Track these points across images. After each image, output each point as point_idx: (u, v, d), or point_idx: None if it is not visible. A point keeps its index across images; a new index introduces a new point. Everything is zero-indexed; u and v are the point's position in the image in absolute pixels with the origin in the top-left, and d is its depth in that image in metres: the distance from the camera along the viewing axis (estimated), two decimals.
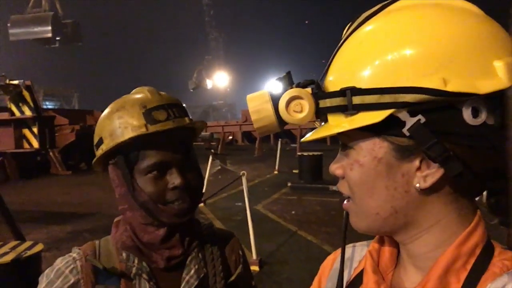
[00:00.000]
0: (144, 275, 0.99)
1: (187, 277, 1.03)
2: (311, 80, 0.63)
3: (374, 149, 0.58)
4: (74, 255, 1.02)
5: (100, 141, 1.01)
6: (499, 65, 0.52)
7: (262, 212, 7.73)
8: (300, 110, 0.61)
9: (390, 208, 0.59)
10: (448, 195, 0.58)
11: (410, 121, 0.54)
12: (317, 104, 0.60)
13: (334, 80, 0.61)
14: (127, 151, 0.98)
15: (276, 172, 12.99)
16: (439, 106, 0.52)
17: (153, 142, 0.97)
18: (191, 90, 52.28)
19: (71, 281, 0.97)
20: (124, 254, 1.02)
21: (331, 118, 0.60)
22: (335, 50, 0.64)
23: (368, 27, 0.60)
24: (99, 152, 1.01)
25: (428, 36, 0.54)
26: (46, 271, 1.00)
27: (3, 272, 3.32)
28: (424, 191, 0.57)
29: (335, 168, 0.65)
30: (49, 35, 22.07)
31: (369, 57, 0.57)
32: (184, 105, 1.09)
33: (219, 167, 11.08)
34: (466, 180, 0.55)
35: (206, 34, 57.86)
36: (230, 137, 25.46)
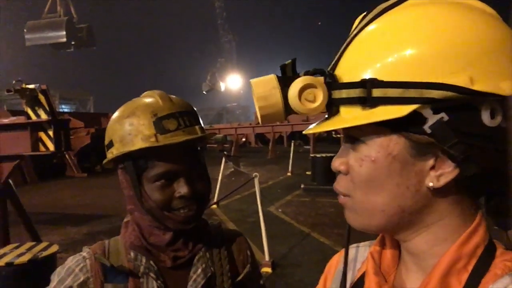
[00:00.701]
0: (152, 274, 1.01)
1: (194, 276, 1.04)
2: (320, 68, 0.60)
3: (390, 145, 0.55)
4: (84, 254, 1.04)
5: (111, 144, 1.03)
6: None
7: (275, 214, 7.72)
8: (313, 100, 0.58)
9: (397, 206, 0.57)
10: (454, 195, 0.57)
11: (433, 118, 0.52)
12: (330, 94, 0.57)
13: (349, 70, 0.58)
14: (136, 158, 0.99)
15: (289, 174, 12.96)
16: (461, 105, 0.51)
17: (162, 152, 0.97)
18: (205, 93, 52.51)
19: (81, 279, 0.99)
20: (132, 254, 1.03)
21: (344, 110, 0.57)
22: (349, 39, 0.60)
23: (389, 18, 0.57)
24: (109, 156, 1.03)
25: (456, 33, 0.53)
26: (58, 269, 1.02)
27: (20, 272, 3.38)
28: (434, 191, 0.56)
29: (339, 163, 0.62)
30: (64, 39, 22.35)
31: (391, 49, 0.54)
32: (195, 109, 1.09)
33: (232, 169, 11.11)
34: (477, 181, 0.55)
35: (219, 37, 58.07)
36: (244, 139, 25.51)
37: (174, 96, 1.06)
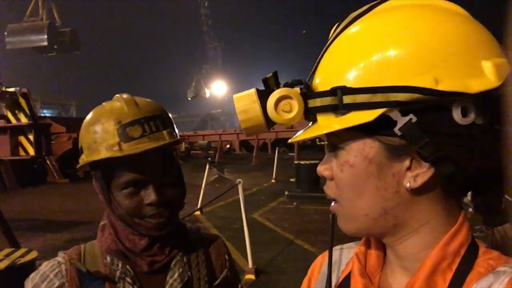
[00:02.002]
0: (128, 279, 1.00)
1: (171, 281, 1.03)
2: (298, 80, 0.62)
3: (365, 149, 0.58)
4: (59, 259, 1.03)
5: (81, 150, 1.03)
6: (487, 65, 0.53)
7: (259, 220, 7.70)
8: (289, 110, 0.60)
9: (380, 209, 0.59)
10: (436, 195, 0.58)
11: (402, 121, 0.53)
12: (306, 104, 0.60)
13: (323, 79, 0.61)
14: (103, 166, 0.99)
15: (273, 180, 12.96)
16: (430, 105, 0.53)
17: (126, 161, 0.96)
18: (190, 99, 52.40)
19: (56, 285, 0.98)
20: (108, 258, 1.03)
21: (320, 118, 0.60)
22: (323, 50, 0.63)
23: (357, 26, 0.59)
24: (80, 162, 1.03)
25: (419, 36, 0.54)
26: (32, 274, 1.01)
27: None
28: (414, 191, 0.57)
29: (324, 169, 0.64)
30: (45, 43, 22.08)
31: (359, 57, 0.57)
32: (169, 115, 1.07)
33: (216, 176, 11.07)
34: (455, 180, 0.56)
35: (204, 44, 58.13)
36: (228, 146, 25.47)
37: (142, 99, 1.04)
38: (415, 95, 0.51)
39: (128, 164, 0.97)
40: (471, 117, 0.52)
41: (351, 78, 0.56)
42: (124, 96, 1.03)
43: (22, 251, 3.75)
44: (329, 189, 0.65)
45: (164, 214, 0.99)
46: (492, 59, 0.53)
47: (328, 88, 0.58)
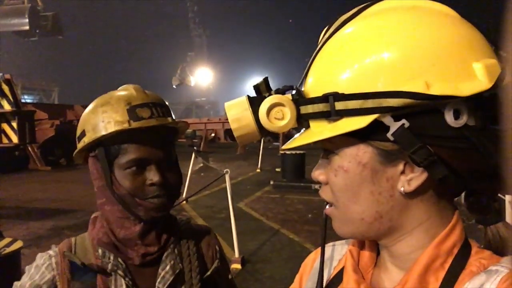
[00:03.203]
0: (120, 271, 1.01)
1: (163, 273, 1.04)
2: (290, 85, 0.62)
3: (359, 154, 0.58)
4: (51, 252, 1.04)
5: (83, 134, 1.03)
6: (478, 67, 0.53)
7: (245, 210, 7.73)
8: (281, 117, 0.60)
9: (375, 213, 0.59)
10: (430, 197, 0.58)
11: (394, 126, 0.53)
12: (298, 110, 0.59)
13: (315, 85, 0.61)
14: (108, 145, 1.00)
15: (258, 170, 13.00)
16: (422, 109, 0.53)
17: (134, 138, 0.99)
18: (174, 87, 51.96)
19: (47, 277, 1.00)
20: (100, 251, 1.03)
21: (313, 124, 0.59)
22: (314, 54, 0.63)
23: (347, 30, 0.59)
24: (80, 144, 1.03)
25: (410, 40, 0.54)
26: (28, 266, 1.04)
27: None
28: (408, 195, 0.57)
29: (318, 174, 0.64)
30: (27, 27, 21.61)
31: (349, 61, 0.56)
32: (167, 103, 1.11)
33: (201, 165, 11.04)
34: (449, 182, 0.56)
35: (190, 31, 57.50)
36: (213, 135, 25.37)
37: (149, 91, 1.08)
38: (407, 100, 0.52)
39: (134, 141, 0.99)
40: (464, 119, 0.52)
41: (343, 83, 0.56)
42: (132, 85, 1.07)
43: (6, 240, 3.69)
44: (324, 193, 0.65)
45: (164, 196, 1.01)
46: (483, 60, 0.53)
47: (320, 94, 0.58)
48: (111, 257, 1.02)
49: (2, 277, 3.23)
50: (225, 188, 5.44)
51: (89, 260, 1.03)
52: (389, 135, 0.54)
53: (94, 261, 1.03)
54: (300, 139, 0.61)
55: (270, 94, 0.62)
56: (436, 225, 0.59)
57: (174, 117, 1.10)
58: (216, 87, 63.47)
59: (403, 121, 0.53)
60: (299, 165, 10.40)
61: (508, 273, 0.52)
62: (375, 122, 0.54)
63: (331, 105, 0.56)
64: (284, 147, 0.66)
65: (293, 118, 0.59)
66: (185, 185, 8.16)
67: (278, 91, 0.62)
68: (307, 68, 0.64)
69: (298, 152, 10.43)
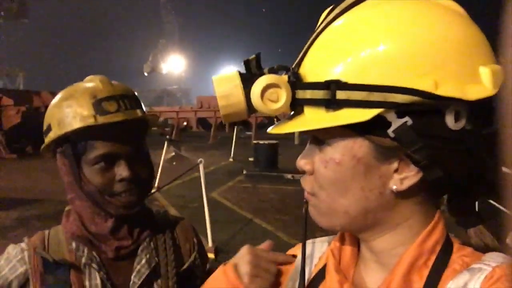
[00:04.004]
0: (94, 265, 0.99)
1: (138, 267, 1.03)
2: (285, 66, 0.59)
3: (354, 147, 0.55)
4: (23, 245, 1.02)
5: (49, 129, 1.00)
6: (485, 72, 0.51)
7: (218, 199, 7.72)
8: (276, 100, 0.56)
9: (362, 208, 0.58)
10: (418, 197, 0.58)
11: (397, 123, 0.52)
12: (293, 94, 0.56)
13: (313, 69, 0.57)
14: (75, 141, 0.97)
15: (231, 159, 12.96)
16: (426, 109, 0.51)
17: (101, 133, 0.96)
18: (146, 74, 51.20)
19: (18, 271, 0.98)
20: (73, 244, 1.02)
21: (308, 110, 0.56)
22: (314, 36, 0.58)
23: (357, 14, 0.55)
24: (47, 140, 1.01)
25: (422, 33, 0.52)
26: None
27: None
28: (398, 193, 0.56)
29: (304, 163, 0.61)
30: None
31: (356, 49, 0.53)
32: (136, 93, 1.08)
33: (173, 154, 10.93)
34: (441, 184, 0.55)
35: (161, 17, 56.55)
36: (185, 123, 25.18)
37: (116, 82, 1.05)
38: (414, 98, 0.50)
39: (101, 137, 0.96)
40: (463, 122, 0.51)
41: (346, 72, 0.53)
42: (99, 76, 1.04)
43: None
44: (307, 183, 0.62)
45: (135, 191, 0.99)
46: (489, 65, 0.52)
47: (320, 80, 0.54)
48: (85, 251, 1.00)
49: None
50: (198, 177, 5.41)
51: (63, 253, 1.01)
52: (390, 131, 0.52)
53: (67, 254, 1.01)
54: (293, 125, 0.58)
55: (261, 73, 0.58)
56: (419, 223, 0.59)
57: (144, 107, 1.07)
58: (188, 75, 62.93)
59: (407, 118, 0.51)
60: (272, 155, 10.44)
61: (491, 272, 0.52)
62: (377, 117, 0.51)
63: (333, 93, 0.53)
64: (273, 131, 0.62)
65: (288, 102, 0.56)
66: (157, 174, 8.06)
67: (272, 71, 0.58)
68: (305, 49, 0.59)
69: (271, 142, 10.46)
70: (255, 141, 11.35)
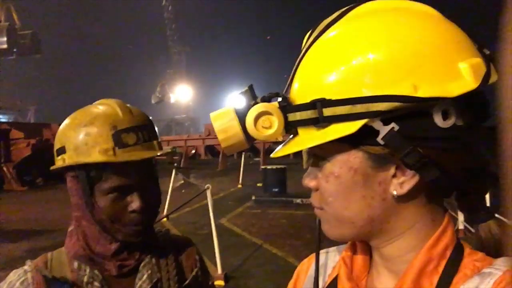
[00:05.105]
0: (96, 283, 1.00)
1: (140, 282, 1.03)
2: (275, 92, 0.61)
3: (350, 159, 0.57)
4: (26, 267, 1.02)
5: (62, 150, 1.00)
6: (464, 67, 0.53)
7: (227, 226, 7.67)
8: (269, 126, 0.59)
9: (367, 217, 0.58)
10: (422, 200, 0.58)
11: (384, 130, 0.53)
12: (286, 118, 0.58)
13: (301, 91, 0.60)
14: (90, 169, 0.97)
15: (240, 185, 12.93)
16: (411, 112, 0.52)
17: (118, 166, 0.97)
18: (153, 103, 51.74)
19: None
20: (76, 263, 1.02)
21: (301, 131, 0.59)
22: (298, 60, 0.62)
23: (330, 34, 0.58)
24: (59, 163, 1.01)
25: (394, 42, 0.54)
26: (0, 284, 1.01)
27: None
28: (400, 198, 0.57)
29: (309, 181, 0.63)
30: (5, 46, 21.38)
31: (335, 66, 0.56)
32: (151, 120, 1.09)
33: (182, 181, 10.94)
34: (441, 183, 0.56)
35: (168, 48, 57.52)
36: (193, 151, 25.24)
37: (132, 107, 1.05)
38: (395, 104, 0.51)
39: (118, 170, 0.97)
40: (452, 119, 0.52)
41: (329, 88, 0.56)
42: (115, 101, 1.03)
43: None
44: (315, 199, 0.64)
45: (144, 221, 1.01)
46: (468, 60, 0.53)
47: (307, 100, 0.57)
48: (87, 269, 1.01)
49: None
50: (206, 204, 5.39)
51: (65, 273, 1.01)
52: (379, 139, 0.54)
53: (70, 274, 1.01)
54: (290, 147, 0.61)
55: (256, 102, 0.60)
56: (427, 227, 0.59)
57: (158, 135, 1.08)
58: (195, 103, 63.45)
59: (393, 124, 0.53)
60: (281, 180, 10.40)
61: (501, 276, 0.52)
62: (364, 127, 0.53)
63: (319, 111, 0.55)
64: (273, 155, 0.65)
65: (280, 126, 0.58)
66: (165, 202, 8.05)
67: (264, 99, 0.61)
68: (292, 74, 0.63)
69: (279, 167, 10.44)
70: (263, 167, 11.33)
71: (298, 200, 9.10)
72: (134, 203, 0.98)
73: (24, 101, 47.34)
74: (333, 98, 0.55)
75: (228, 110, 0.61)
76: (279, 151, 0.63)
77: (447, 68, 0.53)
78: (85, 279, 1.00)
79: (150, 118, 1.09)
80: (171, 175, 8.64)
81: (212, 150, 25.54)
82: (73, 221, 1.05)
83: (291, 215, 8.28)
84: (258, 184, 11.80)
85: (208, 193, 5.33)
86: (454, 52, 0.54)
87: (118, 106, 1.01)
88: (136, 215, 0.98)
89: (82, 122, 0.99)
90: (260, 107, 0.59)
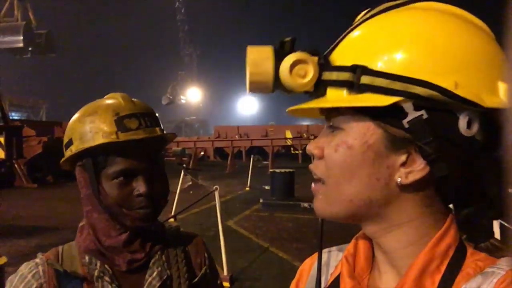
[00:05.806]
0: (106, 278, 1.01)
1: (150, 279, 1.05)
2: (316, 50, 0.61)
3: (367, 133, 0.57)
4: (37, 260, 1.04)
5: (70, 142, 1.03)
6: (503, 87, 0.54)
7: (234, 228, 7.68)
8: (303, 75, 0.59)
9: (366, 197, 0.59)
10: (424, 198, 0.58)
11: (413, 114, 0.54)
12: (320, 74, 0.59)
13: (343, 55, 0.60)
14: (95, 155, 1.00)
15: (248, 188, 12.94)
16: (442, 107, 0.53)
17: (122, 149, 0.99)
18: (164, 104, 51.97)
19: (34, 286, 0.99)
20: (86, 258, 1.04)
21: (331, 92, 0.59)
22: (349, 30, 0.62)
23: (392, 15, 0.59)
24: (67, 153, 1.04)
25: (452, 39, 0.55)
26: (11, 277, 1.02)
27: None
28: (403, 188, 0.57)
29: (314, 147, 0.63)
30: (21, 45, 21.62)
31: (388, 44, 0.57)
32: (157, 114, 1.11)
33: (190, 183, 10.97)
34: (445, 185, 0.57)
35: (180, 49, 57.78)
36: (202, 153, 25.31)
37: (136, 100, 1.09)
38: (434, 93, 0.52)
39: (121, 153, 0.99)
40: (474, 130, 0.54)
41: (374, 59, 0.56)
42: (120, 93, 1.08)
43: None
44: (317, 168, 0.63)
45: (150, 206, 1.02)
46: (507, 83, 0.54)
47: (347, 64, 0.57)
48: (98, 264, 1.03)
49: None
50: (214, 206, 5.41)
51: (76, 268, 1.03)
52: (405, 122, 0.54)
53: (80, 268, 1.03)
54: (314, 102, 0.60)
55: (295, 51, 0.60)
56: (428, 225, 0.59)
57: (162, 125, 1.10)
58: (205, 105, 63.54)
59: (423, 111, 0.54)
60: (289, 184, 10.38)
61: (504, 275, 0.52)
62: (394, 106, 0.54)
63: (358, 76, 0.56)
64: (292, 108, 0.64)
65: (314, 78, 0.59)
66: (173, 203, 8.09)
67: (304, 51, 0.60)
68: (339, 40, 0.63)
69: (287, 170, 10.42)
70: (271, 170, 11.32)
71: (306, 204, 9.07)
72: (140, 187, 1.00)
73: (37, 99, 47.87)
74: (375, 69, 0.55)
75: (267, 48, 0.61)
76: (301, 105, 0.62)
77: (487, 81, 0.54)
78: (96, 273, 1.01)
79: (160, 119, 1.11)
80: (179, 176, 8.67)
81: (221, 152, 25.60)
82: (84, 217, 1.07)
83: (298, 219, 8.27)
84: (266, 187, 11.78)
85: (216, 194, 5.35)
86: (497, 70, 0.55)
87: (121, 96, 1.05)
88: (143, 199, 1.00)
89: (86, 113, 1.03)
90: (299, 54, 0.59)
